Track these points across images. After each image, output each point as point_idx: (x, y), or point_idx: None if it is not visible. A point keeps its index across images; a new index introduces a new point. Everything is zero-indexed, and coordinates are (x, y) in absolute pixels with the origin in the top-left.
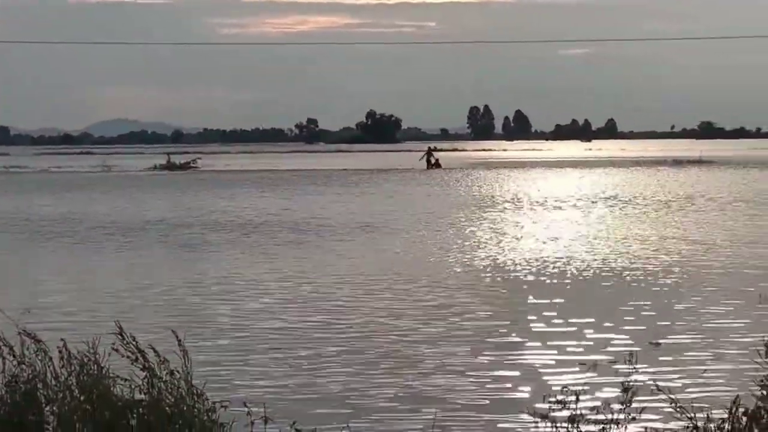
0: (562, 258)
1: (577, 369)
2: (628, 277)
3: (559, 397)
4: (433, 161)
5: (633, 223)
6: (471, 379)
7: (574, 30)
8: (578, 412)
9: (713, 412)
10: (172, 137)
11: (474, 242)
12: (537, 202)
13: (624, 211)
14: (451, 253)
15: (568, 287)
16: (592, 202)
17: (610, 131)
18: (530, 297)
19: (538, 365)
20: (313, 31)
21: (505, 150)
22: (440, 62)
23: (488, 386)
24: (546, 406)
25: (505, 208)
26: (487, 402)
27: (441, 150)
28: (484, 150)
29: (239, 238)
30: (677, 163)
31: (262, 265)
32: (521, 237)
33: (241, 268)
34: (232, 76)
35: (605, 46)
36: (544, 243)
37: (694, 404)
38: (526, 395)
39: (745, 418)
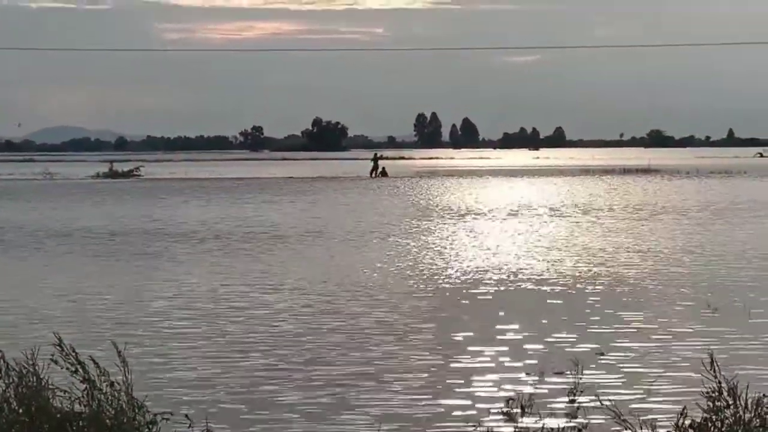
0: (507, 268)
1: (521, 380)
2: (572, 287)
3: (504, 409)
4: (379, 169)
5: (578, 233)
6: (413, 391)
7: (522, 37)
8: (523, 424)
9: (659, 423)
10: (116, 144)
11: (419, 252)
12: (483, 211)
13: (569, 220)
14: (394, 263)
15: (513, 297)
16: (538, 211)
17: (558, 139)
18: (474, 307)
19: (482, 376)
20: (259, 38)
21: (452, 158)
22: (387, 69)
23: (430, 398)
24: (490, 418)
25: (451, 218)
26: (430, 414)
27: (388, 158)
28: (431, 158)
29: (180, 246)
30: (626, 171)
31: (203, 273)
32: (466, 247)
33: (182, 276)
34: (176, 83)
35: (553, 54)
36: (489, 252)
37: (640, 416)
38: (470, 407)
39: (691, 430)
